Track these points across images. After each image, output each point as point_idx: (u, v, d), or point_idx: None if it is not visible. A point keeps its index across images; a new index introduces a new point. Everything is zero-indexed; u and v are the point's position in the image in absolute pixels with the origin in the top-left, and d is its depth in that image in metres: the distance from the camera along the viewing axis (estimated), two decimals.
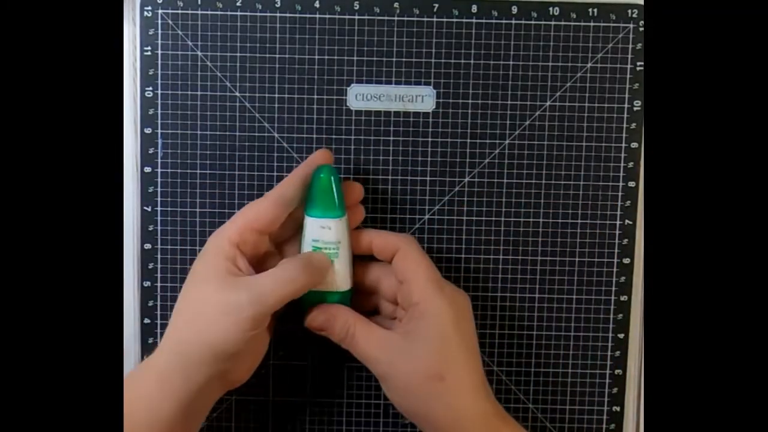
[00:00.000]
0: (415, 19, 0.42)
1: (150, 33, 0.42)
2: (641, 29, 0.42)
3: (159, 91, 0.42)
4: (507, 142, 0.42)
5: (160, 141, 0.42)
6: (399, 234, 0.38)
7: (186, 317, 0.35)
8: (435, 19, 0.42)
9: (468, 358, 0.35)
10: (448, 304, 0.35)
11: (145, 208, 0.43)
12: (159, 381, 0.34)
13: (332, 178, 0.37)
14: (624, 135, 0.43)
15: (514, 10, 0.42)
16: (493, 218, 0.43)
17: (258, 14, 0.42)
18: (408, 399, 0.35)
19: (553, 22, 0.42)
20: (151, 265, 0.43)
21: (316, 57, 0.42)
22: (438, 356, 0.34)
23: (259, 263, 0.38)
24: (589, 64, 0.42)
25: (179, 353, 0.34)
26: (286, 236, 0.39)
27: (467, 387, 0.35)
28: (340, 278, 0.38)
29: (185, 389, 0.34)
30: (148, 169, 0.42)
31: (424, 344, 0.34)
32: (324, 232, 0.37)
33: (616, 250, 0.43)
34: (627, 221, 0.43)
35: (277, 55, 0.42)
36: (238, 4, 0.42)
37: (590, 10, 0.42)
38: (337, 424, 0.44)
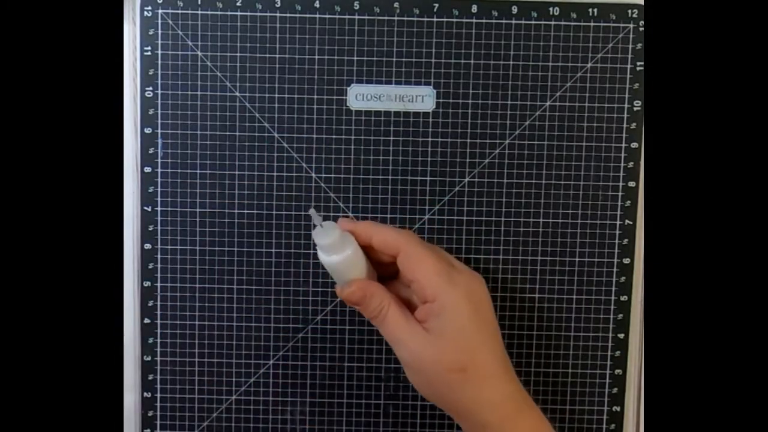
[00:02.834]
0: (415, 19, 0.42)
1: (150, 33, 0.42)
2: (641, 29, 0.42)
3: (159, 91, 0.42)
4: (507, 142, 0.42)
5: (160, 141, 0.42)
6: (398, 231, 0.37)
7: None
8: (435, 19, 0.42)
9: (489, 344, 0.36)
10: (463, 296, 0.36)
11: (145, 208, 0.42)
12: None
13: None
14: (624, 135, 0.43)
15: (514, 10, 0.42)
16: (493, 218, 0.43)
17: (258, 14, 0.42)
18: (431, 387, 0.36)
19: (553, 22, 0.42)
20: (151, 265, 0.43)
21: (316, 57, 0.42)
22: (459, 350, 0.35)
23: None
24: (589, 64, 0.42)
25: None
26: None
27: (489, 374, 0.36)
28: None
29: None
30: (148, 169, 0.42)
31: (445, 339, 0.35)
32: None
33: (616, 250, 0.43)
34: (627, 221, 0.43)
35: (277, 55, 0.42)
36: (238, 4, 0.42)
37: (590, 10, 0.42)
38: (337, 424, 0.44)
